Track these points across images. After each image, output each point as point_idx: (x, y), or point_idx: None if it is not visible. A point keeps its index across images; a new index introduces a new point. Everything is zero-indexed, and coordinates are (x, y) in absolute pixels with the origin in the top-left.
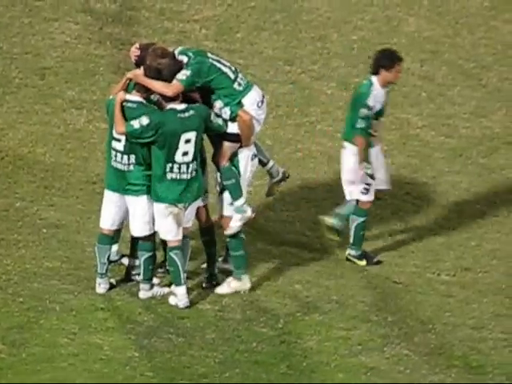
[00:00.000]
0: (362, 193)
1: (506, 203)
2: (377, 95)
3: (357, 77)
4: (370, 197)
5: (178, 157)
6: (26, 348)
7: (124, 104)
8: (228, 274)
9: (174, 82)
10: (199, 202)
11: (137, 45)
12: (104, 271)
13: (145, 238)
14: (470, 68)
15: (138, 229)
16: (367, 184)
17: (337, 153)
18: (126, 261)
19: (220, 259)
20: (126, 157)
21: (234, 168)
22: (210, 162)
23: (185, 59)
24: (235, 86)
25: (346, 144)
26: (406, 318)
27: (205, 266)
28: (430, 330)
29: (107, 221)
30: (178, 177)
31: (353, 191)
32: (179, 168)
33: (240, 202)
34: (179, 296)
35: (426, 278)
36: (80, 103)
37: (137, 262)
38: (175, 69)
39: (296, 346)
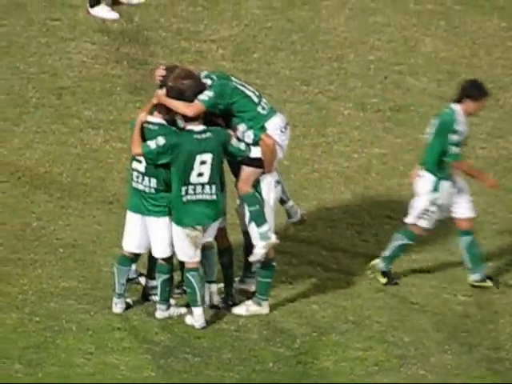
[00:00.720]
0: (422, 218)
1: None
2: (461, 122)
3: (374, 97)
4: (427, 224)
5: (193, 178)
6: (43, 368)
7: (145, 125)
8: (244, 293)
9: (196, 102)
10: (219, 223)
11: (162, 66)
12: (122, 292)
13: (163, 260)
14: (487, 89)
15: (160, 250)
16: (430, 212)
17: (353, 173)
18: (143, 280)
19: (237, 279)
20: (146, 178)
21: (257, 194)
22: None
23: (209, 82)
24: (259, 109)
25: (424, 172)
26: (422, 339)
27: (221, 286)
28: (447, 351)
29: (132, 244)
30: (194, 198)
31: (414, 215)
32: (194, 189)
33: (264, 228)
34: (196, 317)
35: (443, 299)
36: (97, 123)
37: (153, 283)
38: (198, 90)
39: (312, 366)
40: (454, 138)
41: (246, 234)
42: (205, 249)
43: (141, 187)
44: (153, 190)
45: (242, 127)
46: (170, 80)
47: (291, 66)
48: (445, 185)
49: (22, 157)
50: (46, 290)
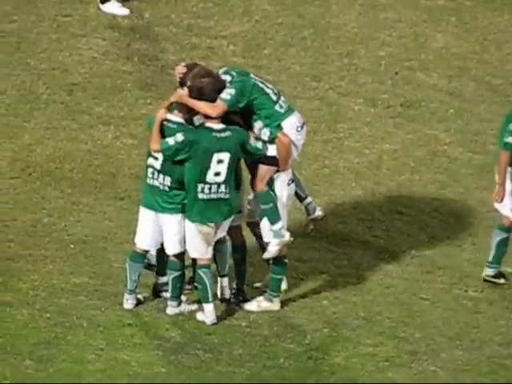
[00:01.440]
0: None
1: None
2: None
3: (384, 93)
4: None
5: (210, 177)
6: (54, 364)
7: (164, 123)
8: (255, 290)
9: (218, 101)
10: (231, 220)
11: (183, 63)
12: (133, 288)
13: (175, 257)
14: (498, 84)
15: (172, 247)
16: None
17: (364, 169)
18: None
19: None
20: (161, 175)
21: (271, 192)
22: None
23: (228, 78)
24: (277, 107)
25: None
26: (433, 335)
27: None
28: (458, 347)
29: (145, 241)
30: (209, 197)
31: (504, 206)
32: (210, 188)
33: (278, 226)
34: (207, 313)
35: (454, 295)
36: (107, 119)
37: (164, 279)
38: (218, 87)
39: (323, 362)
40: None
41: (252, 225)
42: (218, 242)
43: (156, 184)
44: (167, 188)
45: (258, 124)
46: (189, 79)
47: (302, 62)
48: None
49: (32, 153)
50: (56, 286)
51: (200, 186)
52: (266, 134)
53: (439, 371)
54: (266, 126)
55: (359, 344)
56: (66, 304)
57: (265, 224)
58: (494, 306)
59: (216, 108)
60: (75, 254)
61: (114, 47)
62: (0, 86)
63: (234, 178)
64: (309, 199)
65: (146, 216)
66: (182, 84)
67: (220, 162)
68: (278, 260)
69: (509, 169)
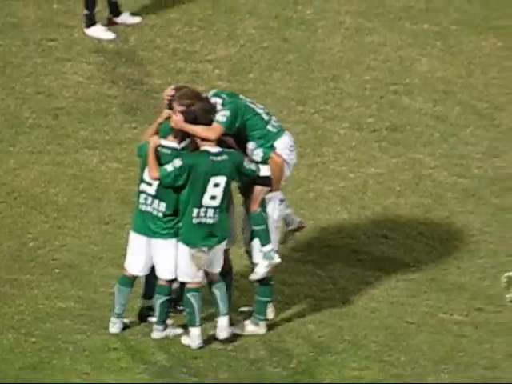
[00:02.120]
0: None
1: None
2: None
3: (369, 117)
4: None
5: (206, 200)
6: None
7: (159, 150)
8: (239, 313)
9: (215, 124)
10: (224, 245)
11: (172, 86)
12: (121, 312)
13: (166, 282)
14: (483, 108)
15: (165, 272)
16: None
17: (349, 193)
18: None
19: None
20: (156, 201)
21: (263, 214)
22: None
23: (219, 100)
24: (269, 127)
25: None
26: (418, 358)
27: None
28: (443, 370)
29: (136, 266)
30: (204, 221)
31: None
32: (205, 212)
33: (268, 247)
34: (193, 337)
35: (439, 318)
36: (93, 143)
37: (149, 303)
38: (208, 109)
39: None
40: None
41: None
42: (214, 281)
43: (149, 209)
44: (160, 214)
45: (251, 145)
46: (176, 99)
47: (287, 86)
48: None
49: (17, 177)
50: (42, 310)
51: (195, 210)
52: (258, 154)
53: None
54: (260, 146)
55: (345, 368)
56: (52, 328)
57: (255, 244)
58: (479, 329)
59: (214, 131)
60: (60, 278)
61: (99, 71)
62: None
63: (226, 202)
64: (288, 210)
65: (137, 241)
66: (170, 107)
67: (216, 185)
68: (263, 282)
69: None
